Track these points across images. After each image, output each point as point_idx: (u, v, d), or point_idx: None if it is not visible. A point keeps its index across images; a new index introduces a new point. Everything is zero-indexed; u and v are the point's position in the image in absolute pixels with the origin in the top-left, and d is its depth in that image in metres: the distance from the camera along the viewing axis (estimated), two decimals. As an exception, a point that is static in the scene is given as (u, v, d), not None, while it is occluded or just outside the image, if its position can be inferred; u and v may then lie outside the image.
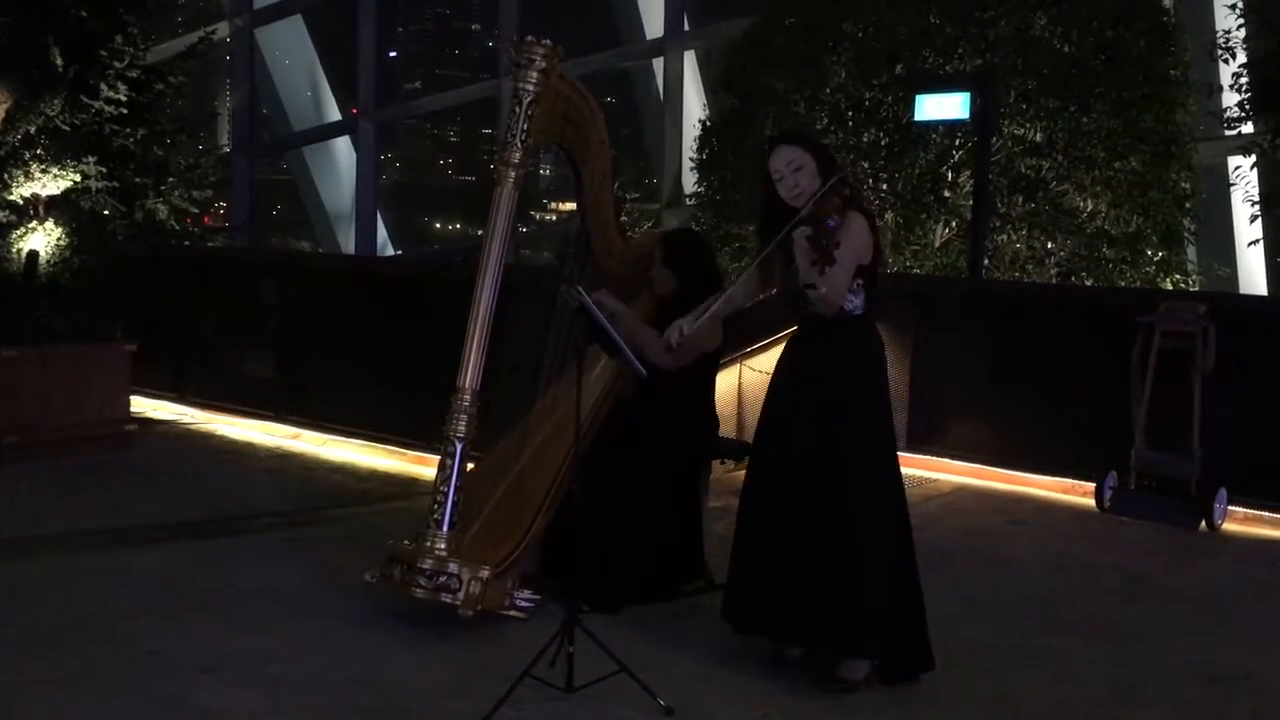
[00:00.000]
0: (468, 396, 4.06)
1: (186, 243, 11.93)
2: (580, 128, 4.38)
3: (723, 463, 4.81)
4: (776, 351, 3.94)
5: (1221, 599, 4.75)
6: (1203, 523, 5.73)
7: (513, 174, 4.12)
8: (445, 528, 3.99)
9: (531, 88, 4.10)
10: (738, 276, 3.90)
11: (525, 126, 4.11)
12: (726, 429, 6.33)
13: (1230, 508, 5.83)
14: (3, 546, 4.88)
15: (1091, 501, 6.04)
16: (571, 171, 4.54)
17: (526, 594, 4.06)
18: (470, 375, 4.06)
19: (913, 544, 3.69)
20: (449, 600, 3.88)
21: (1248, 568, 5.20)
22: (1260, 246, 11.53)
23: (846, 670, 3.61)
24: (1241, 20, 9.35)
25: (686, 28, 17.89)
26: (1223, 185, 11.18)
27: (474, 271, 4.13)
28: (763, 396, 3.90)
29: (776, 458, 3.68)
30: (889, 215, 9.97)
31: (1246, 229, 10.00)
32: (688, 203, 14.83)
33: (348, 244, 23.74)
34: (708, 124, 12.09)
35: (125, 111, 10.66)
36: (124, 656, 3.70)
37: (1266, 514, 5.85)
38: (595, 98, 4.41)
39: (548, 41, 4.12)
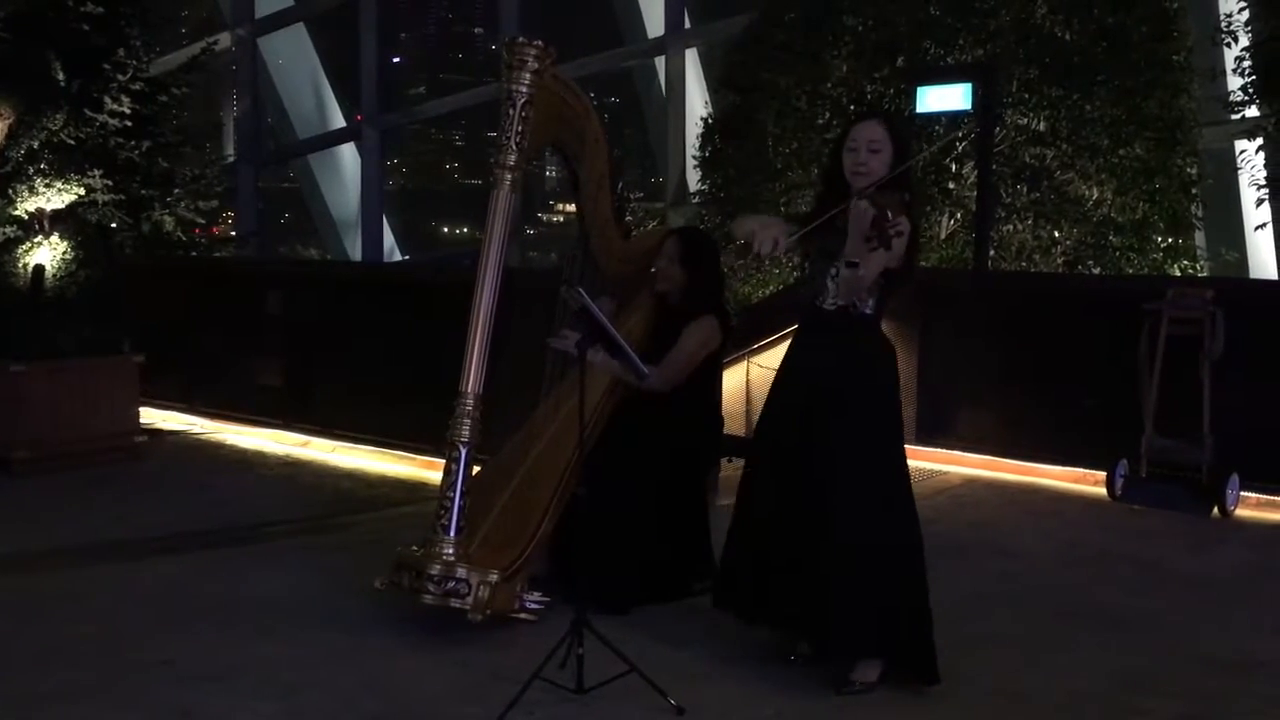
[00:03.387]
0: (470, 401, 4.04)
1: (193, 253, 11.95)
2: (574, 127, 4.36)
3: (730, 461, 4.80)
4: (783, 348, 3.93)
5: (1235, 586, 4.73)
6: (1215, 509, 5.70)
7: (509, 177, 4.09)
8: (452, 533, 3.98)
9: (524, 89, 4.07)
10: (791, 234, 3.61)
11: (520, 129, 4.08)
12: (735, 426, 6.33)
13: (1242, 493, 5.81)
14: (15, 559, 4.91)
15: (1103, 491, 6.02)
16: (568, 172, 4.52)
17: (535, 596, 4.06)
18: (472, 380, 4.04)
19: (923, 549, 3.63)
20: (458, 605, 3.87)
21: (1261, 554, 5.19)
22: (1269, 230, 11.48)
23: (861, 672, 3.59)
24: (1243, 4, 9.30)
25: (687, 26, 17.89)
26: (1229, 169, 11.11)
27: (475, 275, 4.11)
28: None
29: (780, 453, 3.66)
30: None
31: (1254, 213, 9.94)
32: (692, 201, 14.82)
33: (355, 251, 23.78)
34: (710, 121, 12.08)
35: (129, 124, 10.68)
36: (137, 667, 3.71)
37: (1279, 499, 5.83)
38: (590, 96, 4.38)
39: (539, 42, 4.08)
